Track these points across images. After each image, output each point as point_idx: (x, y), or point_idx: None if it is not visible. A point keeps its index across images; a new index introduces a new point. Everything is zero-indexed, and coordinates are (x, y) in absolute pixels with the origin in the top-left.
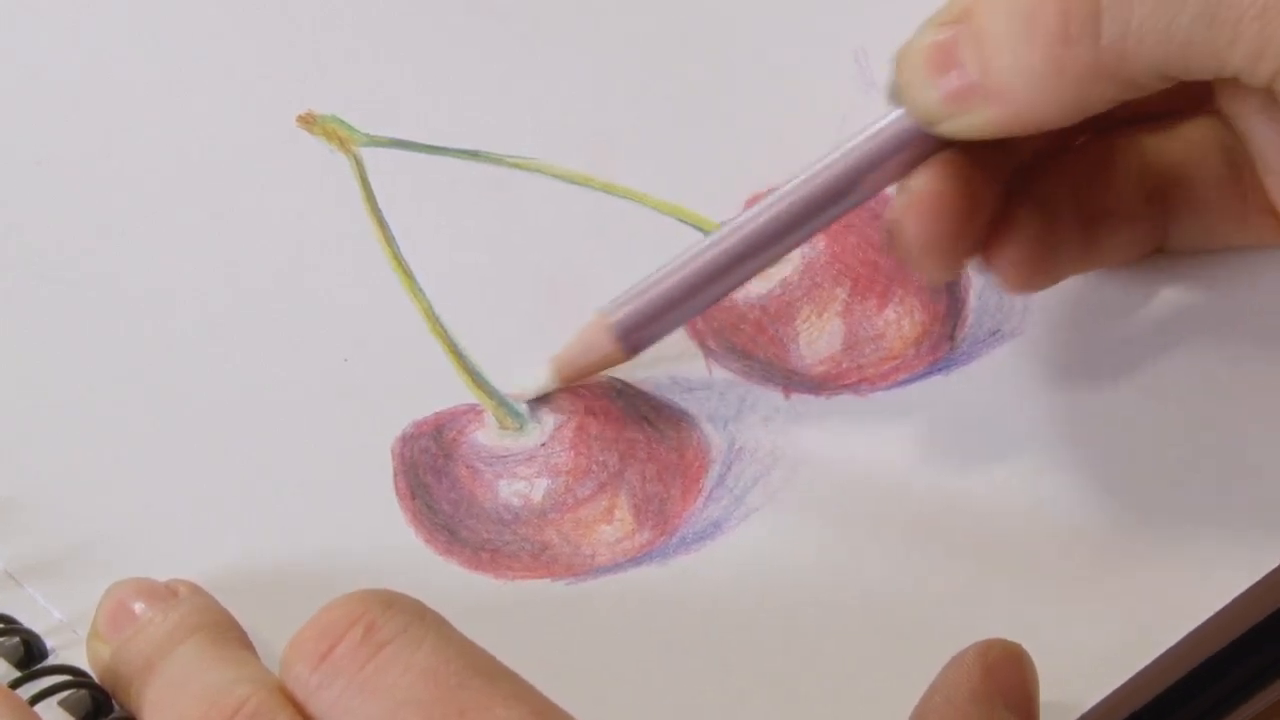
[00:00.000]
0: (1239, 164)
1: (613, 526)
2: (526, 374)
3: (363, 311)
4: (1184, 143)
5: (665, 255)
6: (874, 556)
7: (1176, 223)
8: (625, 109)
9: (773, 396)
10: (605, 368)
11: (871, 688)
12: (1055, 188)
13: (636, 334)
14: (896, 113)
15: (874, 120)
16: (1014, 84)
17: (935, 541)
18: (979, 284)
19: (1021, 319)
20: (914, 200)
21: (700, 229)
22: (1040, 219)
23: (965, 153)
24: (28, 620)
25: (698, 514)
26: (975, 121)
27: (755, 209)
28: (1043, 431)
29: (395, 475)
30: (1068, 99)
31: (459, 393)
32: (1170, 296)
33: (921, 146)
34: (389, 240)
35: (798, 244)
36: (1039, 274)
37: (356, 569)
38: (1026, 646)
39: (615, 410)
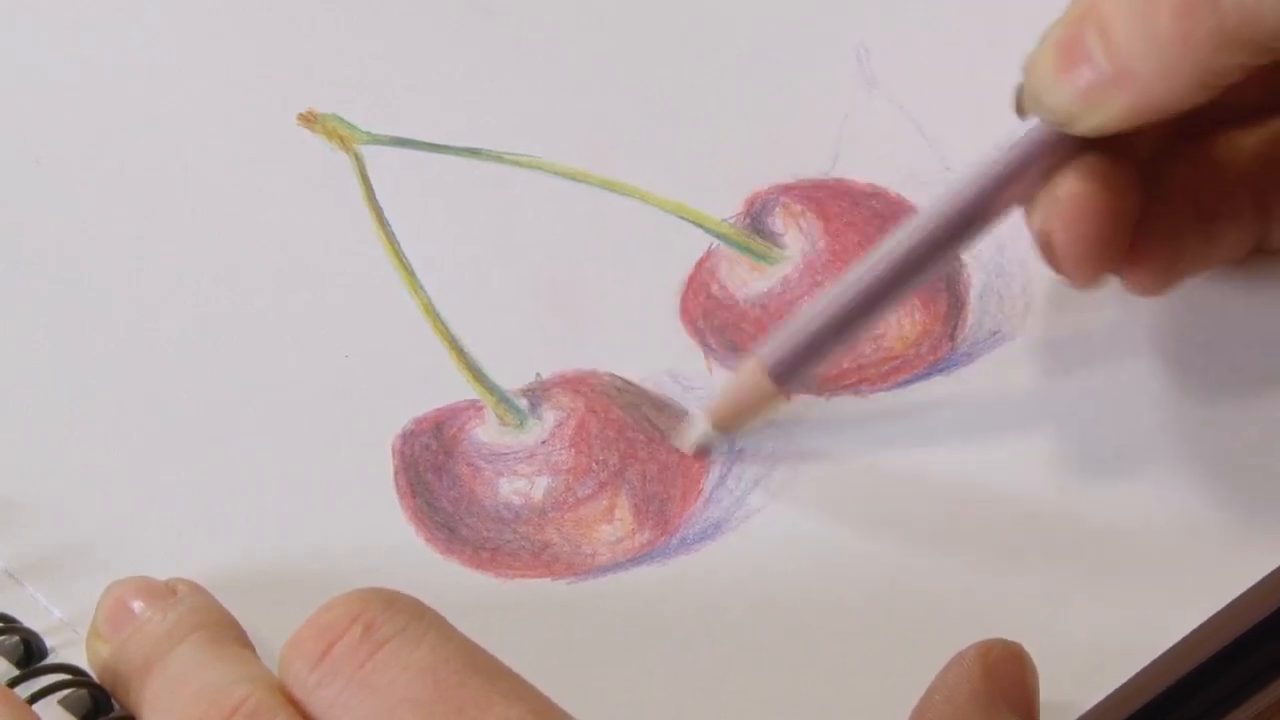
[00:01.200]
0: None
1: (613, 526)
2: (690, 427)
3: (363, 309)
4: None
5: (666, 251)
6: (874, 557)
7: (1276, 223)
8: (625, 106)
9: None
10: (762, 409)
11: (871, 688)
12: (1173, 190)
13: (790, 375)
14: (1028, 125)
15: (1006, 135)
16: (1142, 64)
17: (935, 542)
18: (979, 284)
19: (1022, 320)
20: (1064, 207)
21: (701, 225)
22: (1168, 220)
23: (1100, 158)
24: (27, 619)
25: (698, 514)
26: (1110, 113)
27: (898, 235)
28: (1043, 432)
29: (396, 473)
30: (1196, 71)
31: (459, 389)
32: (1170, 296)
33: (1055, 155)
34: (390, 238)
35: (942, 268)
36: (1171, 276)
37: (356, 568)
38: (1026, 646)
39: (616, 409)
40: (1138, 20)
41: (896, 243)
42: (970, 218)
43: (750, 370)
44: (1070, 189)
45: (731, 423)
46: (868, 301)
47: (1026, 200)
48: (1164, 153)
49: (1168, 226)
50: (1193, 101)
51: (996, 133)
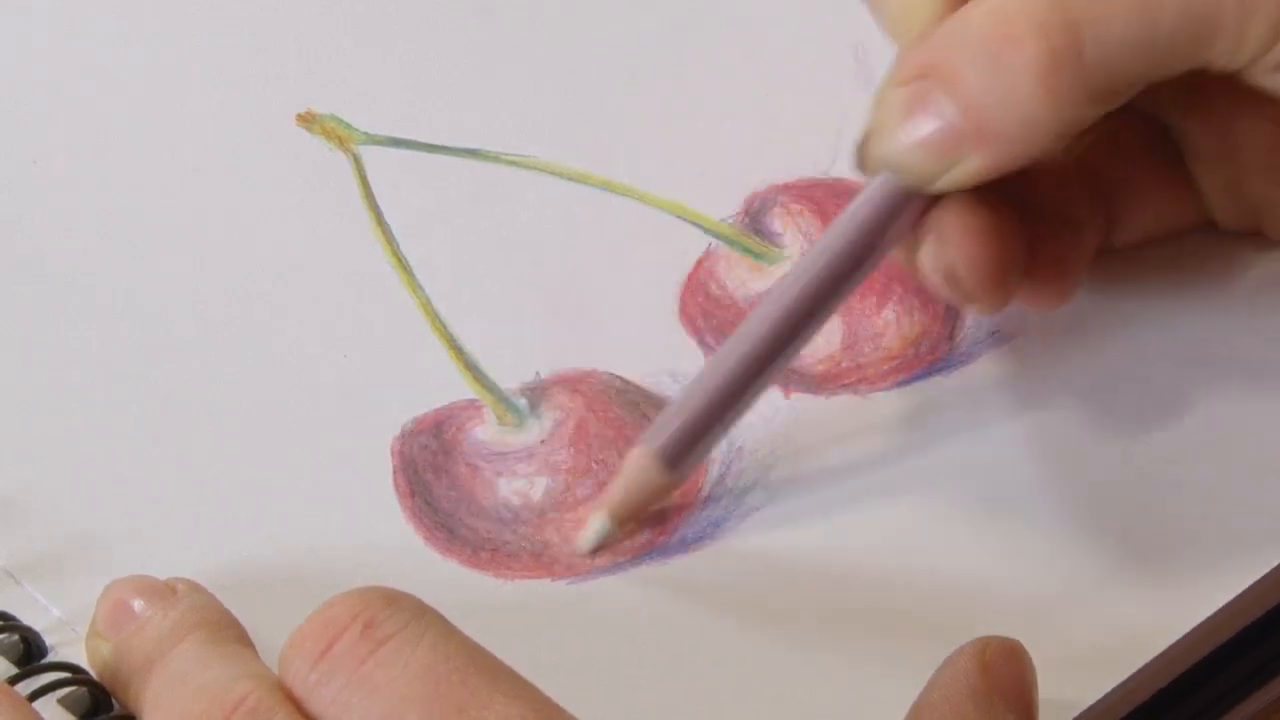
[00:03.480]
0: (1169, 153)
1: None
2: (587, 530)
3: (362, 309)
4: (1114, 140)
5: (665, 251)
6: (872, 556)
7: (1121, 220)
8: (624, 107)
9: (772, 395)
10: (659, 499)
11: (869, 685)
12: (1040, 200)
13: (681, 459)
14: (881, 177)
15: (866, 188)
16: (1003, 122)
17: (934, 540)
18: None
19: (1020, 320)
20: (955, 239)
21: (699, 225)
22: (1048, 230)
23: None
24: (27, 618)
25: (697, 513)
26: (969, 170)
27: (772, 303)
28: (1042, 431)
29: (395, 473)
30: (1058, 125)
31: (459, 389)
32: (1169, 297)
33: (919, 200)
34: (388, 238)
35: (819, 328)
36: (1071, 283)
37: (356, 567)
38: (1025, 643)
39: (615, 408)
40: (996, 80)
41: (769, 314)
42: (843, 278)
43: (640, 461)
44: (955, 221)
45: (632, 516)
46: (749, 375)
47: (899, 244)
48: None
49: (1053, 237)
50: (1050, 151)
51: None
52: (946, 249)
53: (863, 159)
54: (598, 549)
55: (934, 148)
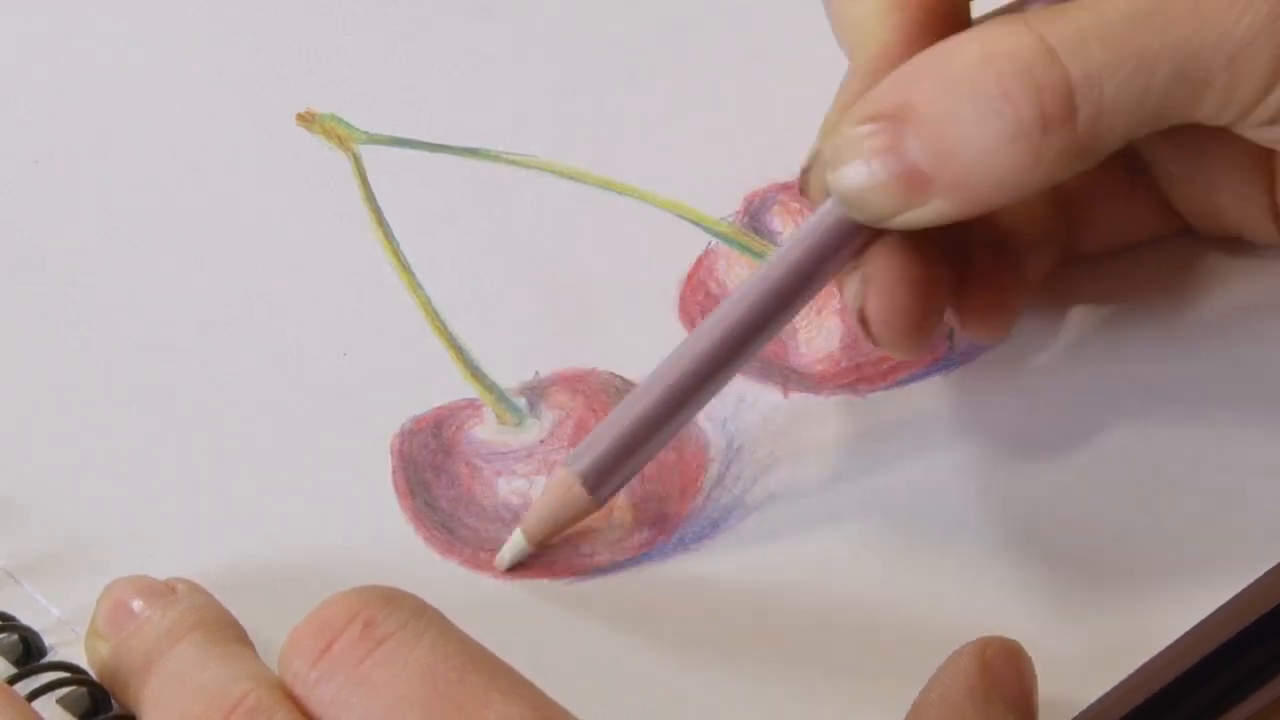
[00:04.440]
0: (1135, 165)
1: (612, 525)
2: (504, 548)
3: (362, 307)
4: None
5: (664, 250)
6: (872, 556)
7: (1083, 232)
8: (625, 106)
9: (771, 395)
10: (578, 521)
11: (869, 686)
12: (990, 231)
13: (604, 481)
14: (828, 206)
15: (811, 217)
16: (980, 175)
17: (933, 540)
18: None
19: (1021, 319)
20: (875, 284)
21: (699, 224)
22: (992, 264)
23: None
24: (26, 618)
25: (697, 513)
26: (931, 212)
27: (705, 331)
28: (1042, 431)
29: (394, 472)
30: (1039, 181)
31: (458, 388)
32: (1168, 297)
33: (864, 235)
34: (388, 237)
35: (750, 358)
36: (1010, 317)
37: (355, 567)
38: (1024, 643)
39: (614, 407)
40: (982, 136)
41: (702, 343)
42: (779, 309)
43: (562, 481)
44: (879, 266)
45: (548, 536)
46: (677, 403)
47: (839, 272)
48: None
49: (993, 270)
50: (1021, 199)
51: None
52: (863, 290)
53: (808, 185)
54: (516, 566)
55: (897, 189)
